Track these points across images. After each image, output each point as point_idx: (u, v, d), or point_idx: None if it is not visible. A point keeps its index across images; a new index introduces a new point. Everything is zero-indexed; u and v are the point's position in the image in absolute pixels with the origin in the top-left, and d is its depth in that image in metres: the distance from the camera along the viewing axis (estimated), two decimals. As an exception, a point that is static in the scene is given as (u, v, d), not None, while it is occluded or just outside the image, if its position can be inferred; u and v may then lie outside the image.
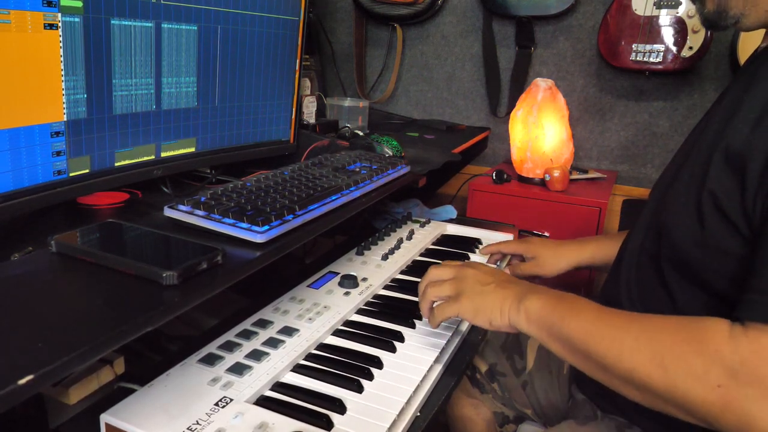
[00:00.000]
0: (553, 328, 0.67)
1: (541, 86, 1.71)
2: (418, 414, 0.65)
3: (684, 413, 0.57)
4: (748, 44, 1.64)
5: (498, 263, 1.10)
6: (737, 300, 0.58)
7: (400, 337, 0.77)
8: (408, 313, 0.84)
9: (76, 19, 0.67)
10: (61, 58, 0.66)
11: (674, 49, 1.67)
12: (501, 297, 0.71)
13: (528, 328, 0.69)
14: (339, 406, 0.61)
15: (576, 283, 1.67)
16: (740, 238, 0.62)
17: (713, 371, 0.54)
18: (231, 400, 0.60)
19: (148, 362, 0.78)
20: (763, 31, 0.72)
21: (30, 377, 0.40)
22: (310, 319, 0.79)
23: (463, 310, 0.73)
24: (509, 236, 1.18)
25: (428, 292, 0.77)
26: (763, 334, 0.53)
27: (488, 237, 1.20)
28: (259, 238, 0.67)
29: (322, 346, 0.75)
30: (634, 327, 0.61)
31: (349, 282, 0.90)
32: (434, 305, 0.77)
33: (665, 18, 1.67)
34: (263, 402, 0.62)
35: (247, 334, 0.73)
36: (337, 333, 0.78)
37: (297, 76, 1.09)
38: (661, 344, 0.58)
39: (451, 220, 1.31)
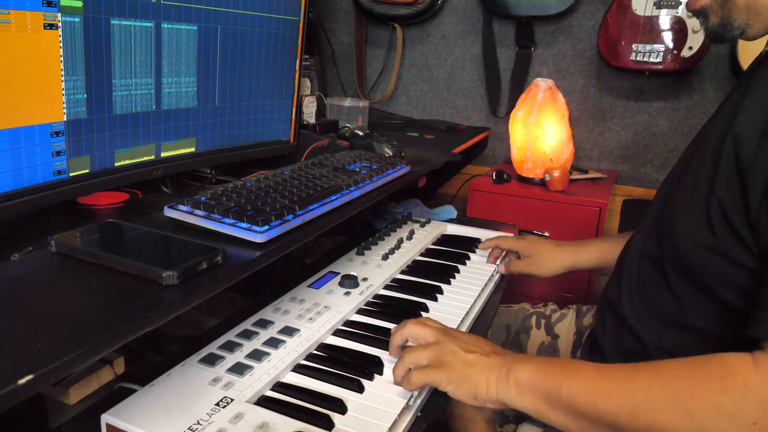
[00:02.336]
0: (552, 395, 0.61)
1: (541, 86, 1.71)
2: (419, 414, 0.65)
3: None
4: (747, 45, 1.64)
5: (498, 262, 1.10)
6: (746, 313, 0.56)
7: (401, 337, 0.77)
8: (408, 314, 0.84)
9: (76, 19, 0.67)
10: (61, 58, 0.66)
11: (674, 49, 1.68)
12: (486, 368, 0.65)
13: (520, 400, 0.63)
14: (340, 406, 0.61)
15: (575, 286, 1.68)
16: (748, 250, 0.60)
17: (745, 407, 0.51)
18: (232, 400, 0.60)
19: (148, 362, 0.78)
20: (766, 37, 0.72)
21: (30, 377, 0.40)
22: (310, 319, 0.78)
23: (445, 382, 0.65)
24: (509, 236, 1.17)
25: (406, 358, 0.68)
26: None
27: (488, 237, 1.20)
28: (259, 238, 0.67)
29: (322, 346, 0.75)
30: (642, 376, 0.57)
31: (350, 282, 0.90)
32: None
33: (665, 18, 1.67)
34: (264, 402, 0.62)
35: (247, 334, 0.73)
36: (338, 333, 0.78)
37: (297, 76, 1.09)
38: (679, 389, 0.54)
39: (451, 220, 1.31)
